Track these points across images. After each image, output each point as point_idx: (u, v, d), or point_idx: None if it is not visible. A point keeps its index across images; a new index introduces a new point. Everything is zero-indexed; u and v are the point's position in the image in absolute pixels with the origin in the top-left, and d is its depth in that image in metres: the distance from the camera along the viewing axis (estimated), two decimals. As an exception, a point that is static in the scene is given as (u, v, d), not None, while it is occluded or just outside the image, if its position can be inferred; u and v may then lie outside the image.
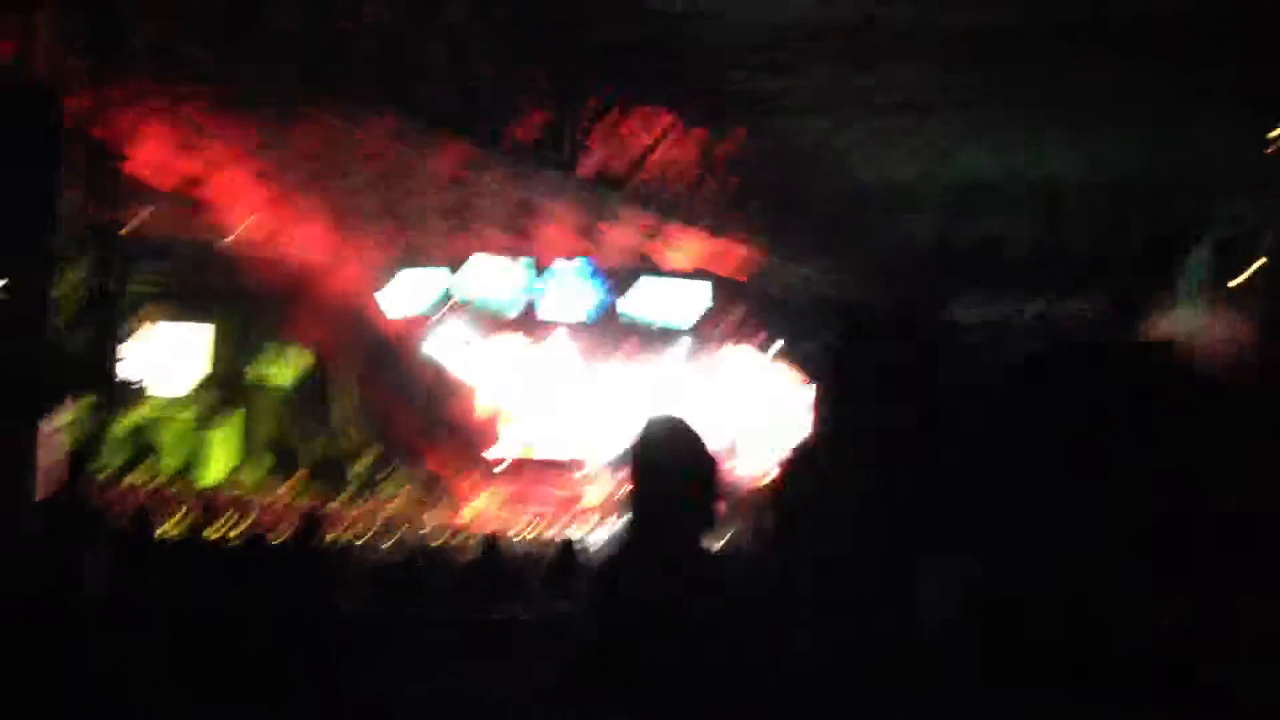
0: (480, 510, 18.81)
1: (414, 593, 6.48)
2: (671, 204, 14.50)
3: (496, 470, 19.84)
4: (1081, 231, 17.44)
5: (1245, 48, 11.17)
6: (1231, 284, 15.73)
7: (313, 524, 7.06)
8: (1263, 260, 15.42)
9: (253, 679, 4.31)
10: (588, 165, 13.04)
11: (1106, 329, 17.50)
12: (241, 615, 5.00)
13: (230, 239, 18.15)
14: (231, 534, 11.64)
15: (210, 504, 16.45)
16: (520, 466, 19.88)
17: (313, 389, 20.99)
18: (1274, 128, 11.80)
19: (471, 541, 12.72)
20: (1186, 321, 16.56)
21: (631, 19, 12.44)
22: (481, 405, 20.28)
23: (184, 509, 13.68)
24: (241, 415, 20.77)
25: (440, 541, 14.26)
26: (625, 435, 18.60)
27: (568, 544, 8.81)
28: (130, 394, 17.89)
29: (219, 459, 20.22)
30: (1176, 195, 16.02)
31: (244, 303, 20.07)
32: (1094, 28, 11.42)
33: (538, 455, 19.99)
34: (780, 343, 19.47)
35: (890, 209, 18.16)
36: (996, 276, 18.17)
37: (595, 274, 18.43)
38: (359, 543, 11.56)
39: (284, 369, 20.67)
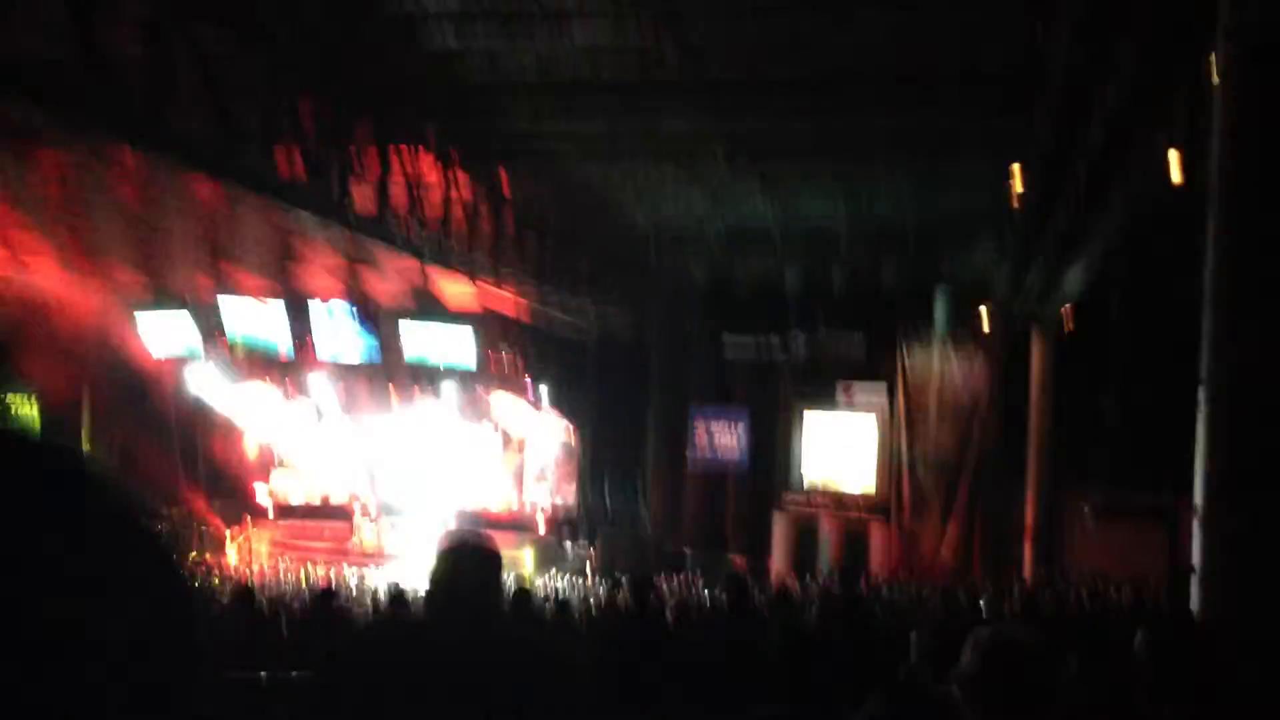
0: (245, 555, 18.03)
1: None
2: (439, 247, 14.33)
3: (263, 515, 19.10)
4: (843, 276, 18.37)
5: (983, 101, 12.04)
6: (974, 321, 16.88)
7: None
8: (990, 305, 16.60)
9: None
10: (353, 205, 12.75)
11: (865, 364, 18.50)
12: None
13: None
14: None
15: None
16: (288, 511, 19.20)
17: (54, 428, 19.66)
18: (1008, 177, 12.76)
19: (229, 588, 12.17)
20: (931, 361, 17.72)
21: (404, 56, 12.29)
22: (246, 448, 19.48)
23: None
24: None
25: (203, 586, 13.57)
26: (392, 480, 18.20)
27: (326, 594, 8.52)
28: None
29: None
30: (927, 243, 17.10)
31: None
32: (853, 79, 12.05)
33: (305, 499, 19.35)
34: (549, 387, 19.56)
35: (663, 251, 18.63)
36: (768, 310, 18.92)
37: (359, 316, 18.02)
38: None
39: (20, 411, 19.28)
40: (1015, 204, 12.90)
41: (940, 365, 17.72)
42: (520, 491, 19.67)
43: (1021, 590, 10.81)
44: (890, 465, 18.11)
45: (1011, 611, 7.77)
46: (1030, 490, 16.35)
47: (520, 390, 19.24)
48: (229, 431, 19.43)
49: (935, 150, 13.98)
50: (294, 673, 5.88)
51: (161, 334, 18.71)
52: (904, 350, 17.99)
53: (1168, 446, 12.89)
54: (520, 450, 19.80)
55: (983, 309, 16.66)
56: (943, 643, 5.02)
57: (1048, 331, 16.22)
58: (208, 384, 18.91)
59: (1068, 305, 15.24)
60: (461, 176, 14.23)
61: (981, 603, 7.62)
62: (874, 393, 18.38)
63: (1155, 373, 13.52)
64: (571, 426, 19.90)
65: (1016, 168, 12.32)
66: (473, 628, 2.48)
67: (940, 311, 17.84)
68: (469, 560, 2.54)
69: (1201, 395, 6.85)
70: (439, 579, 2.48)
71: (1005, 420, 16.84)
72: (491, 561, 2.54)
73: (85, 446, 19.53)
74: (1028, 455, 16.45)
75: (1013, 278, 15.32)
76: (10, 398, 19.40)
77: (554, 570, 17.32)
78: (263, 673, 5.68)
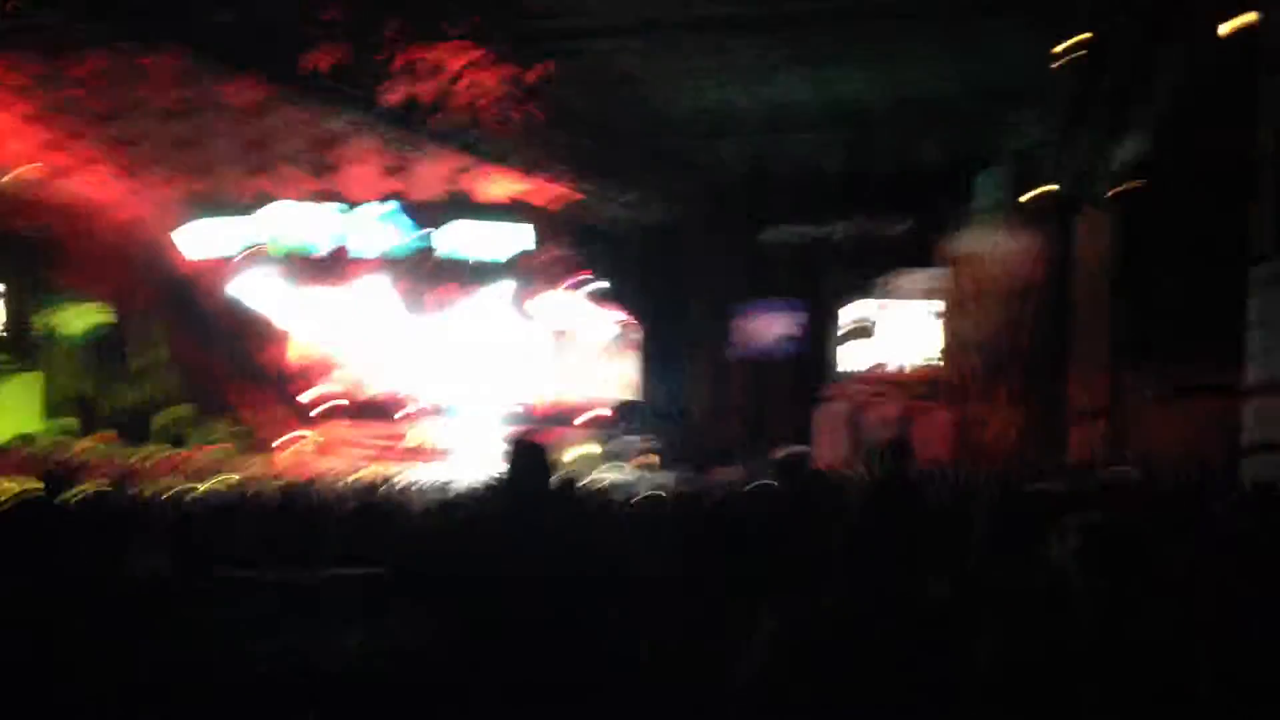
0: (297, 457, 18.35)
1: (208, 552, 6.22)
2: (479, 140, 14.16)
3: (313, 415, 19.37)
4: (888, 152, 17.94)
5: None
6: (1022, 200, 16.45)
7: (117, 480, 6.67)
8: (1042, 178, 16.14)
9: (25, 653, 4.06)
10: (391, 99, 12.61)
11: (912, 248, 18.16)
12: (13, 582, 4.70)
13: (6, 183, 16.98)
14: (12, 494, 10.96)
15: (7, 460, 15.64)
16: (339, 410, 19.47)
17: (110, 339, 20.01)
18: (1059, 43, 12.30)
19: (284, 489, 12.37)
20: (982, 239, 17.32)
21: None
22: (296, 349, 19.71)
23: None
24: (34, 368, 19.70)
25: (253, 491, 13.83)
26: (444, 377, 18.47)
27: (370, 489, 8.59)
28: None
29: (11, 415, 19.14)
30: (974, 114, 16.59)
31: (30, 250, 18.88)
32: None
33: (357, 398, 19.60)
34: (596, 283, 19.49)
35: (704, 135, 18.26)
36: (808, 198, 18.57)
37: (404, 213, 18.02)
38: (163, 498, 11.05)
39: (76, 319, 19.60)
40: (1064, 71, 12.44)
41: (990, 246, 17.31)
42: (579, 385, 19.80)
43: (1083, 471, 10.70)
44: (943, 351, 17.87)
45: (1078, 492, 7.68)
46: (1086, 371, 16.08)
47: (568, 284, 19.24)
48: (279, 336, 19.67)
49: (978, 17, 13.48)
50: (349, 569, 5.95)
51: (211, 239, 18.89)
52: (953, 232, 17.59)
53: (1230, 323, 12.62)
54: (571, 344, 19.86)
55: (1032, 187, 16.20)
56: (1002, 526, 4.95)
57: (1103, 206, 15.76)
58: (257, 289, 19.10)
59: (1124, 177, 14.79)
60: (501, 70, 13.97)
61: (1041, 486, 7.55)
62: (923, 278, 18.05)
63: (1216, 246, 13.15)
64: (622, 319, 19.89)
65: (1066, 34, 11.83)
66: (531, 520, 2.61)
67: (989, 188, 17.37)
68: (526, 459, 2.70)
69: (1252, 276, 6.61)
70: (505, 477, 2.69)
71: (1060, 300, 16.49)
72: (546, 459, 2.71)
73: (149, 354, 19.92)
74: (1082, 337, 16.15)
75: (1063, 148, 14.87)
76: (69, 307, 19.72)
77: (611, 463, 17.51)
78: (322, 570, 5.75)
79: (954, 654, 2.73)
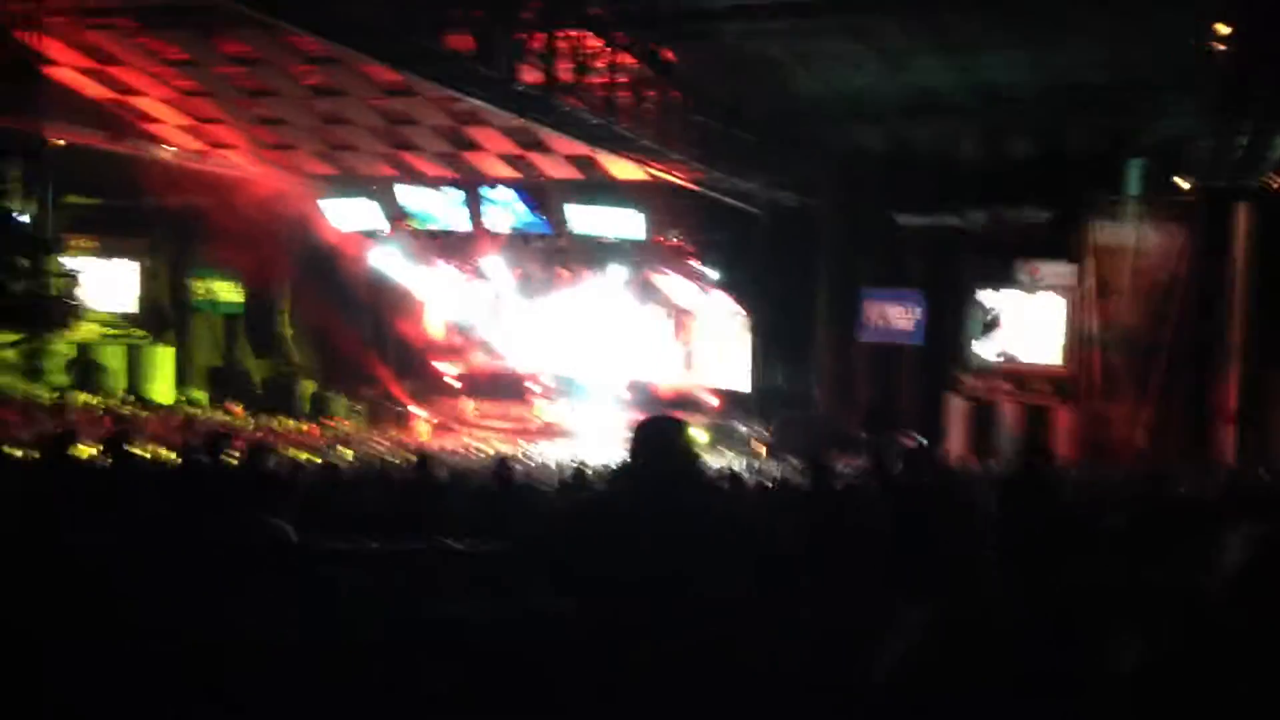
0: (430, 431, 18.80)
1: (340, 517, 6.42)
2: (611, 122, 14.21)
3: (446, 391, 19.81)
4: (1027, 140, 17.42)
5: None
6: (1172, 192, 15.82)
7: (258, 447, 6.93)
8: (1190, 171, 15.48)
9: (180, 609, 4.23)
10: (526, 80, 12.75)
11: (1051, 239, 17.60)
12: (172, 540, 4.92)
13: (162, 157, 17.74)
14: (173, 455, 11.51)
15: (162, 422, 16.34)
16: (473, 384, 19.87)
17: (254, 312, 20.75)
18: (1212, 32, 11.74)
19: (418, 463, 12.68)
20: (1126, 231, 16.70)
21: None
22: (428, 326, 20.18)
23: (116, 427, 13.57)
24: (178, 339, 20.55)
25: (393, 461, 14.24)
26: (568, 358, 18.65)
27: (503, 463, 8.71)
28: (68, 315, 17.63)
29: (163, 380, 20.03)
30: (1122, 102, 15.97)
31: (179, 223, 19.71)
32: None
33: (488, 377, 19.98)
34: (719, 265, 19.40)
35: (840, 120, 17.98)
36: (945, 185, 18.15)
37: (535, 193, 18.24)
38: (305, 465, 11.47)
39: (223, 291, 20.39)
40: (1219, 58, 11.87)
41: (1134, 239, 16.67)
42: (692, 370, 19.80)
43: (1229, 474, 10.28)
44: (1078, 345, 17.27)
45: (1216, 495, 7.38)
46: (1232, 371, 15.41)
47: (689, 269, 19.23)
48: (415, 313, 20.14)
49: (1127, 1, 12.95)
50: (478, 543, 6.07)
51: (348, 216, 19.42)
52: (1094, 223, 16.97)
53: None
54: (691, 329, 19.86)
55: (1180, 178, 15.53)
56: (1135, 527, 4.78)
57: (1252, 200, 15.05)
58: (392, 264, 19.57)
59: (1275, 171, 14.10)
60: (627, 56, 13.99)
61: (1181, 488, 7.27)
62: (1060, 270, 17.47)
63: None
64: (742, 306, 19.77)
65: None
66: (669, 500, 2.59)
67: (1133, 181, 16.71)
68: (665, 437, 2.67)
69: None
70: (639, 456, 2.57)
71: (1205, 297, 15.81)
72: (686, 438, 2.66)
73: (285, 328, 20.64)
74: (1229, 333, 15.47)
75: (1214, 142, 14.21)
76: (216, 282, 20.52)
77: (726, 450, 17.49)
78: (452, 541, 5.87)
79: (1099, 659, 2.65)
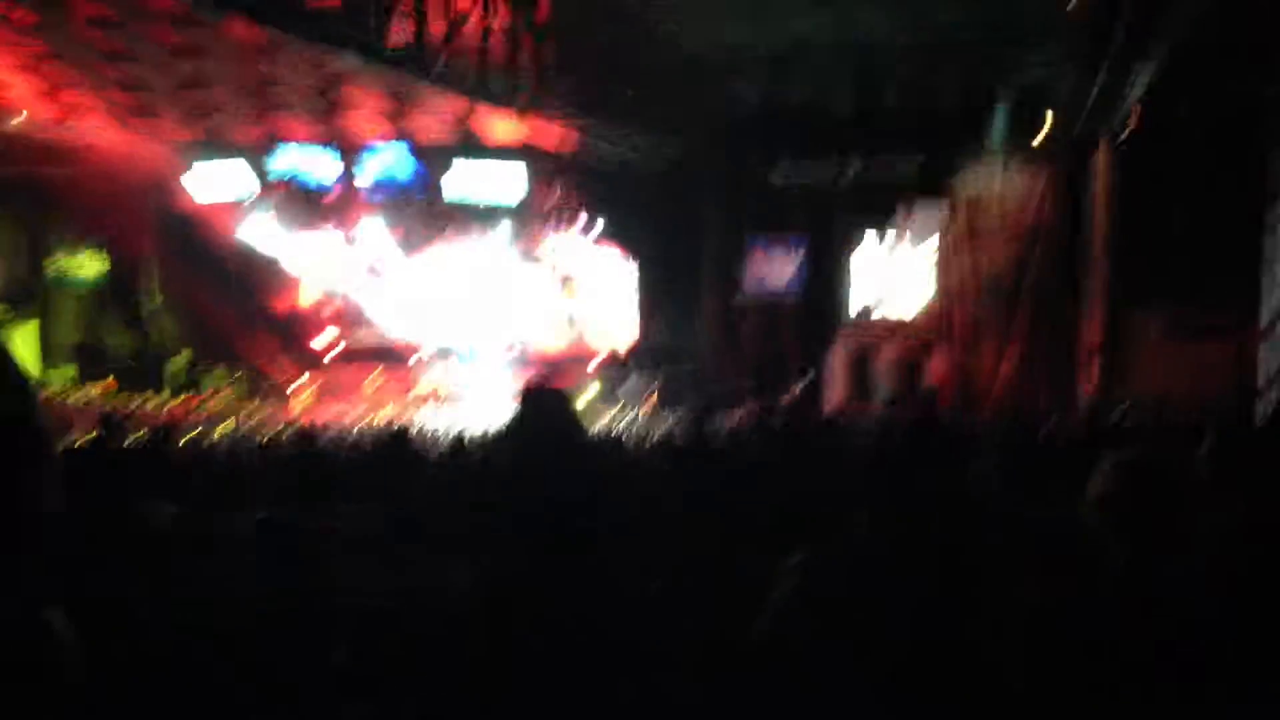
0: (308, 403, 18.42)
1: (223, 497, 6.27)
2: (485, 82, 14.02)
3: (324, 361, 19.41)
4: (897, 92, 17.72)
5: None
6: (1034, 140, 16.29)
7: (111, 425, 6.68)
8: (1052, 116, 15.97)
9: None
10: (394, 39, 12.46)
11: (923, 186, 18.00)
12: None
13: (14, 126, 16.89)
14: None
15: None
16: (349, 356, 19.51)
17: (119, 284, 19.99)
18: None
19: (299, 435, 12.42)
20: (991, 179, 17.18)
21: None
22: (302, 294, 19.70)
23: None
24: (40, 314, 19.72)
25: (265, 438, 13.93)
26: (450, 322, 18.44)
27: (401, 434, 8.58)
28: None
29: (26, 357, 19.20)
30: (986, 52, 16.35)
31: (35, 195, 18.82)
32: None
33: (365, 345, 19.63)
34: (602, 222, 19.40)
35: (714, 73, 18.03)
36: (818, 138, 18.38)
37: (411, 154, 17.90)
38: (178, 445, 11.11)
39: (86, 263, 19.58)
40: (1078, 6, 12.24)
41: (999, 183, 17.18)
42: (577, 328, 19.78)
43: (1092, 409, 10.72)
44: (947, 290, 17.78)
45: (1080, 431, 7.70)
46: (1094, 310, 16.04)
47: (573, 224, 19.15)
48: (286, 282, 19.64)
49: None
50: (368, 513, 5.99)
51: (216, 183, 18.82)
52: (961, 171, 17.44)
53: (1239, 262, 12.54)
54: (576, 286, 19.82)
55: (1046, 119, 16.01)
56: (1016, 464, 4.96)
57: (1112, 144, 15.62)
58: (264, 233, 19.04)
59: (1134, 114, 14.62)
60: (500, 5, 13.78)
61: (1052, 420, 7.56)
62: (934, 211, 17.89)
63: (1227, 185, 13.04)
64: (628, 259, 19.79)
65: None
66: (557, 465, 2.59)
67: (998, 127, 17.18)
68: (549, 404, 2.65)
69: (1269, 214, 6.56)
70: (522, 423, 2.59)
71: (1068, 238, 16.40)
72: (568, 404, 2.65)
73: (153, 299, 19.93)
74: (1091, 274, 16.09)
75: (1074, 86, 14.68)
76: (80, 253, 19.68)
77: (617, 405, 17.57)
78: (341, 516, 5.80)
79: (979, 597, 2.75)
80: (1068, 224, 16.41)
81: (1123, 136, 15.09)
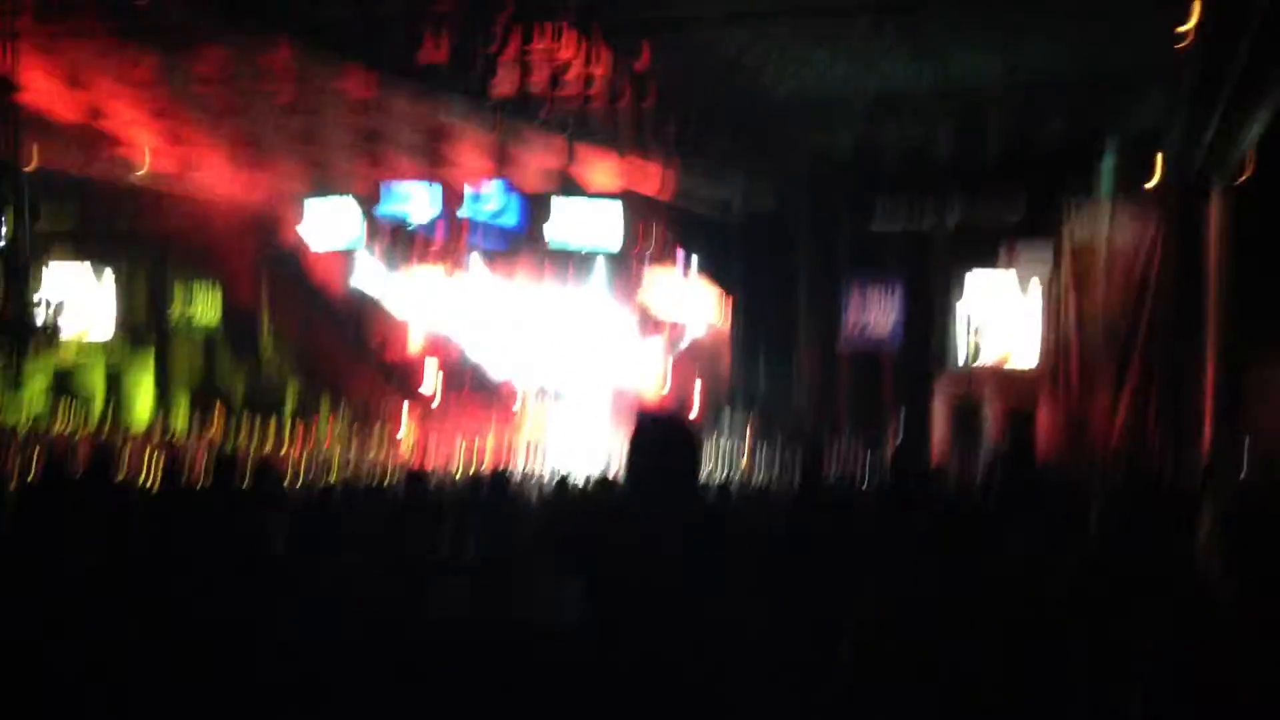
0: (416, 443, 18.72)
1: (334, 532, 6.41)
2: (583, 126, 14.28)
3: (432, 403, 19.74)
4: (999, 137, 17.49)
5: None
6: (1144, 185, 15.88)
7: (226, 464, 6.88)
8: (1163, 159, 15.57)
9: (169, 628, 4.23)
10: (498, 88, 12.79)
11: (1027, 230, 17.65)
12: (159, 562, 4.90)
13: (137, 176, 17.66)
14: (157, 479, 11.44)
15: (139, 448, 16.24)
16: (455, 398, 19.80)
17: (233, 328, 20.65)
18: (1181, 23, 11.85)
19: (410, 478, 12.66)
20: (1098, 224, 16.77)
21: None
22: (410, 336, 20.11)
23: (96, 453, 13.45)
24: (158, 356, 20.42)
25: (378, 478, 14.20)
26: (549, 362, 18.66)
27: (500, 478, 8.67)
28: (45, 339, 17.47)
29: (144, 402, 19.91)
30: (1092, 95, 16.07)
31: (156, 241, 19.61)
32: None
33: (469, 384, 19.91)
34: (699, 258, 19.48)
35: (809, 119, 18.04)
36: (916, 185, 18.21)
37: (511, 195, 18.24)
38: (294, 483, 11.42)
39: (205, 308, 20.29)
40: (1192, 48, 11.98)
41: (1109, 228, 16.73)
42: (673, 371, 19.82)
43: (1206, 465, 10.32)
44: (1056, 341, 17.29)
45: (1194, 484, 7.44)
46: (1209, 363, 15.45)
47: (671, 273, 19.29)
48: (394, 323, 20.07)
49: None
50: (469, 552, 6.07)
51: (326, 224, 19.36)
52: (1067, 219, 17.03)
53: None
54: (673, 330, 19.88)
55: (1157, 162, 15.60)
56: (1125, 520, 4.82)
57: (1227, 184, 15.14)
58: (371, 274, 19.50)
59: (1250, 157, 14.20)
60: (602, 52, 14.02)
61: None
62: (1039, 252, 17.46)
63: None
64: (724, 299, 19.80)
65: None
66: (675, 506, 2.54)
67: (1107, 169, 16.78)
68: (667, 431, 2.59)
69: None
70: (641, 459, 2.52)
71: (1180, 289, 15.88)
72: (688, 431, 2.59)
73: (266, 338, 20.57)
74: (1206, 325, 15.51)
75: (1187, 127, 14.31)
76: (197, 298, 20.38)
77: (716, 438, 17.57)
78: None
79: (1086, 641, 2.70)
80: (1181, 274, 15.89)
81: (1238, 180, 14.63)
